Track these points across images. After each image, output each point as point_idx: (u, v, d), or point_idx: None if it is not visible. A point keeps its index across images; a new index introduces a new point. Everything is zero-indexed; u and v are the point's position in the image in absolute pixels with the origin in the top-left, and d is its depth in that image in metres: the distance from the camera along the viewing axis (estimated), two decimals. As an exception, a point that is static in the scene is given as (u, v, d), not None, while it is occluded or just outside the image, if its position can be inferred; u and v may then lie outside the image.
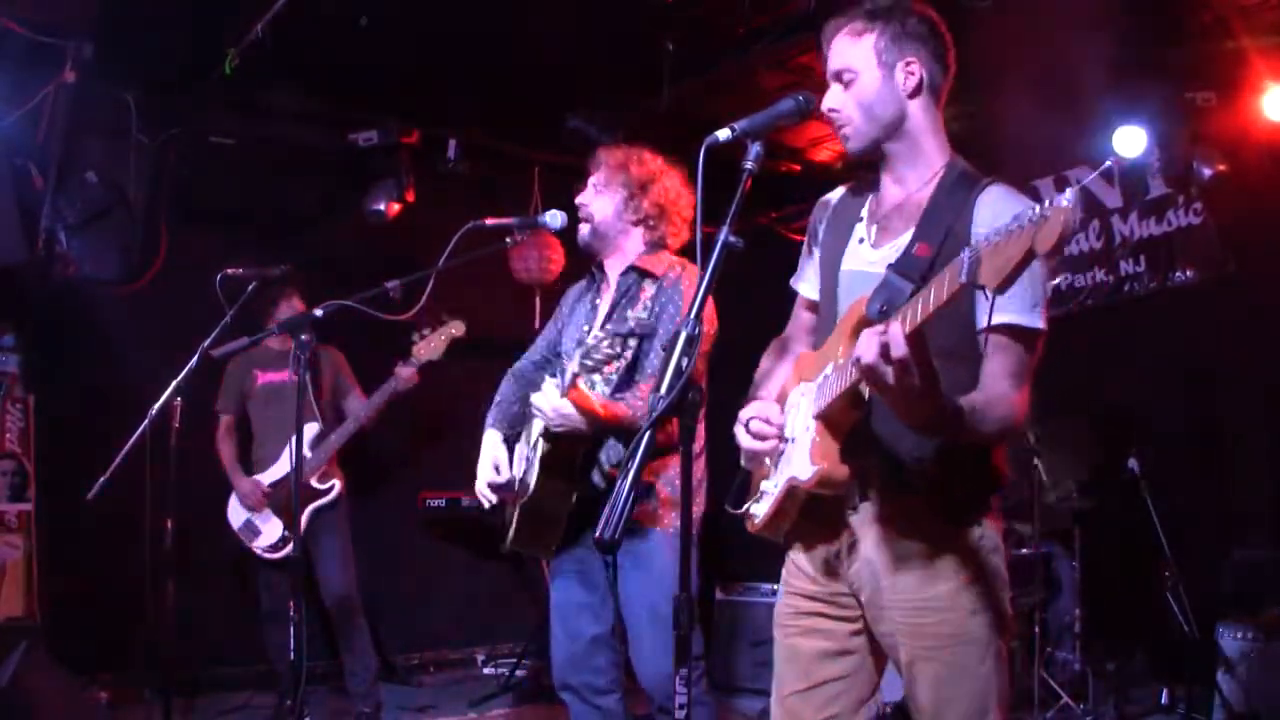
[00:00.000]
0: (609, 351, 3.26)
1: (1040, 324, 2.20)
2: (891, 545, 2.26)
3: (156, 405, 3.90)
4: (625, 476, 1.91)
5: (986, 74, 4.59)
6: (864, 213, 2.45)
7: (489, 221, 3.74)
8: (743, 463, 2.45)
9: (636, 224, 3.58)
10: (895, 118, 2.35)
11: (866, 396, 2.16)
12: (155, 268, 5.92)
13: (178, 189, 6.02)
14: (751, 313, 7.11)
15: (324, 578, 5.29)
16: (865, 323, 2.07)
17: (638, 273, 3.52)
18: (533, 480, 3.31)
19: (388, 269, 3.89)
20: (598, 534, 1.88)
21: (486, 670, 7.04)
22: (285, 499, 5.32)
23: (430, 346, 5.02)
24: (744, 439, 2.36)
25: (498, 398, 3.77)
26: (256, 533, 5.37)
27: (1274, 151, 5.57)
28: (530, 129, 6.79)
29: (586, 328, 3.57)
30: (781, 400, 2.41)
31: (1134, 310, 6.24)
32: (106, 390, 5.32)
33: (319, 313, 3.77)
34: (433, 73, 5.93)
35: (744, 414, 2.38)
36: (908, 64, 2.33)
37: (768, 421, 2.33)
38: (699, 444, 3.46)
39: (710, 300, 3.39)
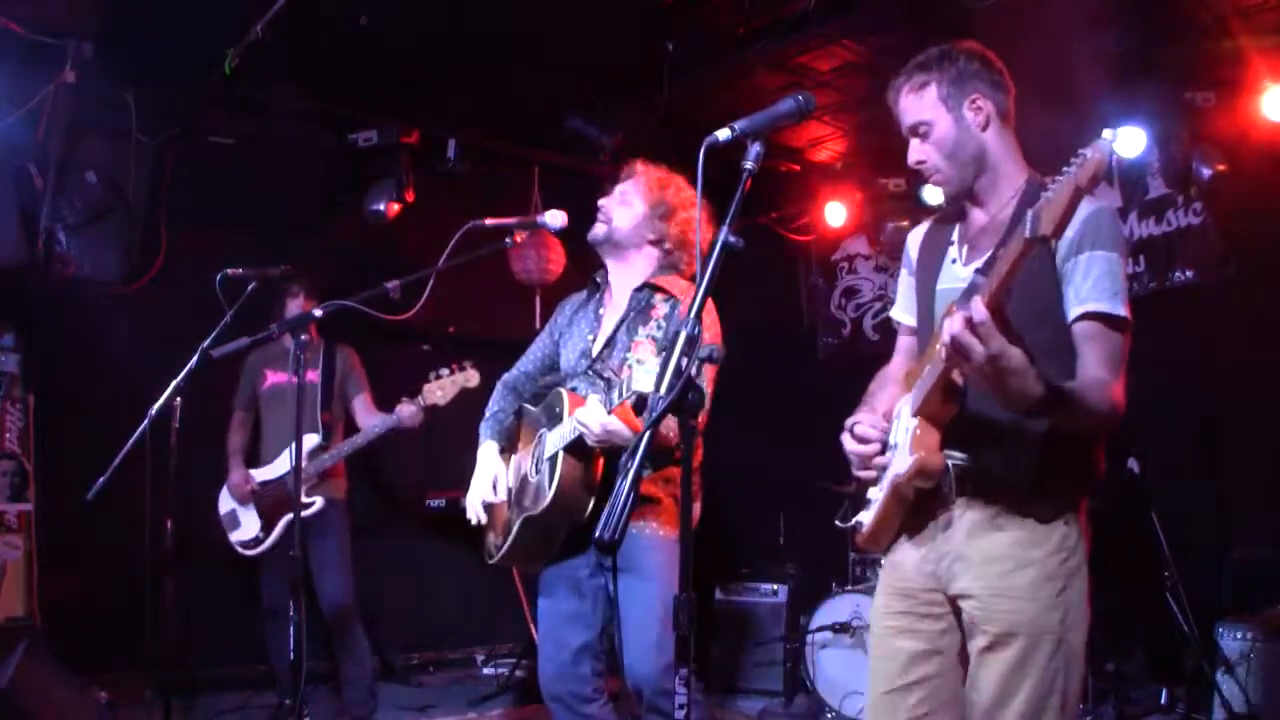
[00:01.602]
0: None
1: (1123, 311, 2.35)
2: (982, 537, 2.39)
3: (156, 405, 3.89)
4: (624, 477, 1.91)
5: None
6: (954, 237, 2.61)
7: (489, 222, 3.74)
8: (852, 470, 2.59)
9: (653, 243, 3.58)
10: (977, 154, 2.50)
11: (960, 384, 2.32)
12: (155, 268, 5.92)
13: (177, 189, 6.01)
14: (751, 313, 7.15)
15: (320, 585, 5.28)
16: None
17: (651, 289, 3.51)
18: (548, 496, 3.26)
19: (387, 269, 3.88)
20: (597, 534, 1.88)
21: (486, 670, 7.05)
22: (270, 502, 5.33)
23: (439, 392, 5.01)
24: (849, 444, 2.55)
25: (492, 408, 3.75)
26: (236, 525, 5.38)
27: (1273, 151, 5.56)
28: (530, 129, 6.79)
29: (591, 337, 3.56)
30: (889, 417, 2.57)
31: (1134, 311, 6.22)
32: (106, 390, 5.32)
33: (318, 312, 3.77)
34: (432, 73, 5.94)
35: (849, 421, 2.57)
36: (973, 102, 2.49)
37: (872, 427, 2.52)
38: (696, 457, 3.44)
39: (717, 324, 3.40)
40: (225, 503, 5.45)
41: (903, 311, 2.81)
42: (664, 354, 2.03)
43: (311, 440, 5.28)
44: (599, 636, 3.46)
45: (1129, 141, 5.81)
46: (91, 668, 5.22)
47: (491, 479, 3.56)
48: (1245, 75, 5.43)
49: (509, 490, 3.56)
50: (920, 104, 2.50)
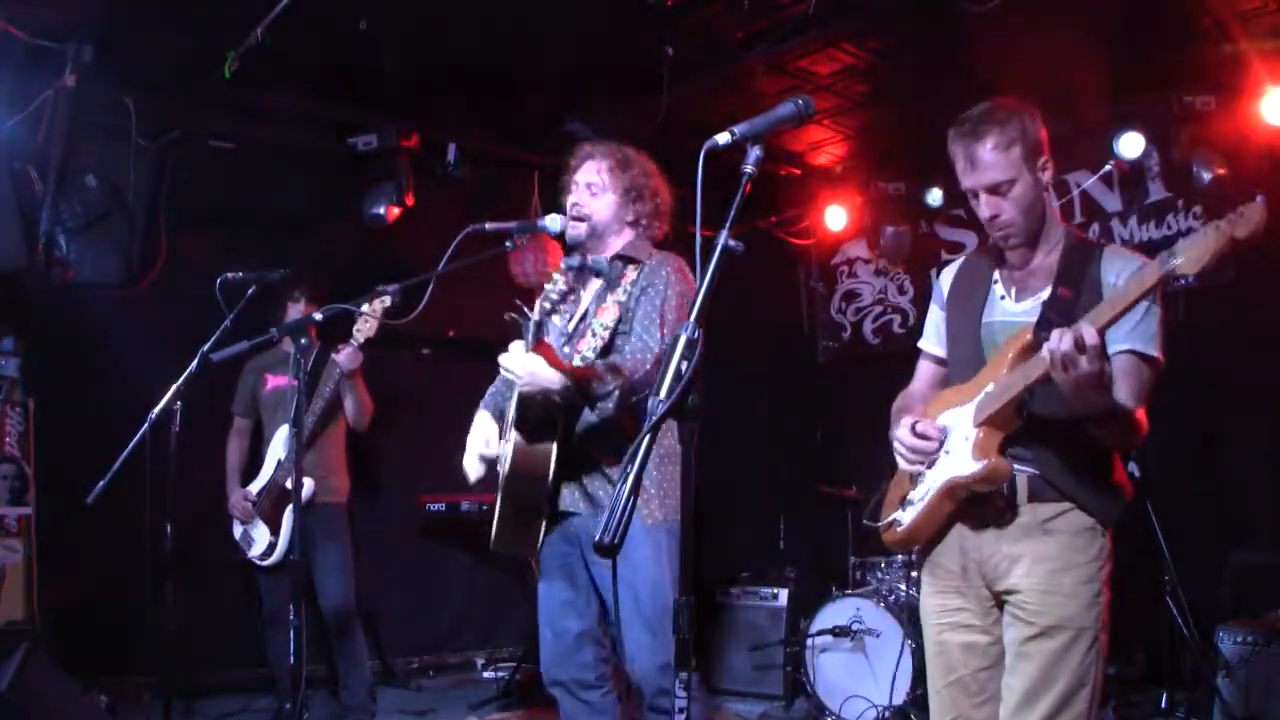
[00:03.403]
0: (562, 287, 3.26)
1: (1154, 352, 2.61)
2: (1035, 540, 2.61)
3: (156, 409, 3.89)
4: (624, 481, 1.90)
5: (987, 77, 4.60)
6: (996, 277, 2.83)
7: (489, 225, 3.73)
8: (901, 464, 2.79)
9: (631, 224, 3.60)
10: (1043, 210, 2.74)
11: (1026, 408, 2.55)
12: (154, 271, 5.92)
13: (177, 192, 6.01)
14: (751, 317, 7.14)
15: (322, 588, 5.27)
16: (1032, 345, 2.50)
17: (621, 260, 3.53)
18: (508, 459, 3.28)
19: (387, 273, 3.88)
20: (597, 538, 1.87)
21: (486, 674, 7.04)
22: (269, 504, 5.32)
23: (366, 326, 4.96)
24: (908, 439, 2.72)
25: (491, 390, 3.79)
26: (251, 542, 5.36)
27: (1273, 155, 5.56)
28: (530, 132, 6.79)
29: (569, 316, 3.59)
30: None
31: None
32: (106, 394, 5.31)
33: (318, 316, 3.77)
34: (432, 76, 5.93)
35: (907, 420, 2.76)
36: (1044, 162, 2.71)
37: (931, 426, 2.70)
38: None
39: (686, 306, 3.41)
40: (236, 527, 5.45)
41: (931, 342, 3.03)
42: (664, 359, 2.03)
43: (286, 429, 5.28)
44: (597, 624, 3.47)
45: (1129, 145, 5.81)
46: (91, 671, 5.21)
47: (484, 437, 3.58)
48: (1245, 79, 5.44)
49: (499, 466, 3.55)
50: (1007, 161, 2.64)
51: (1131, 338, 2.58)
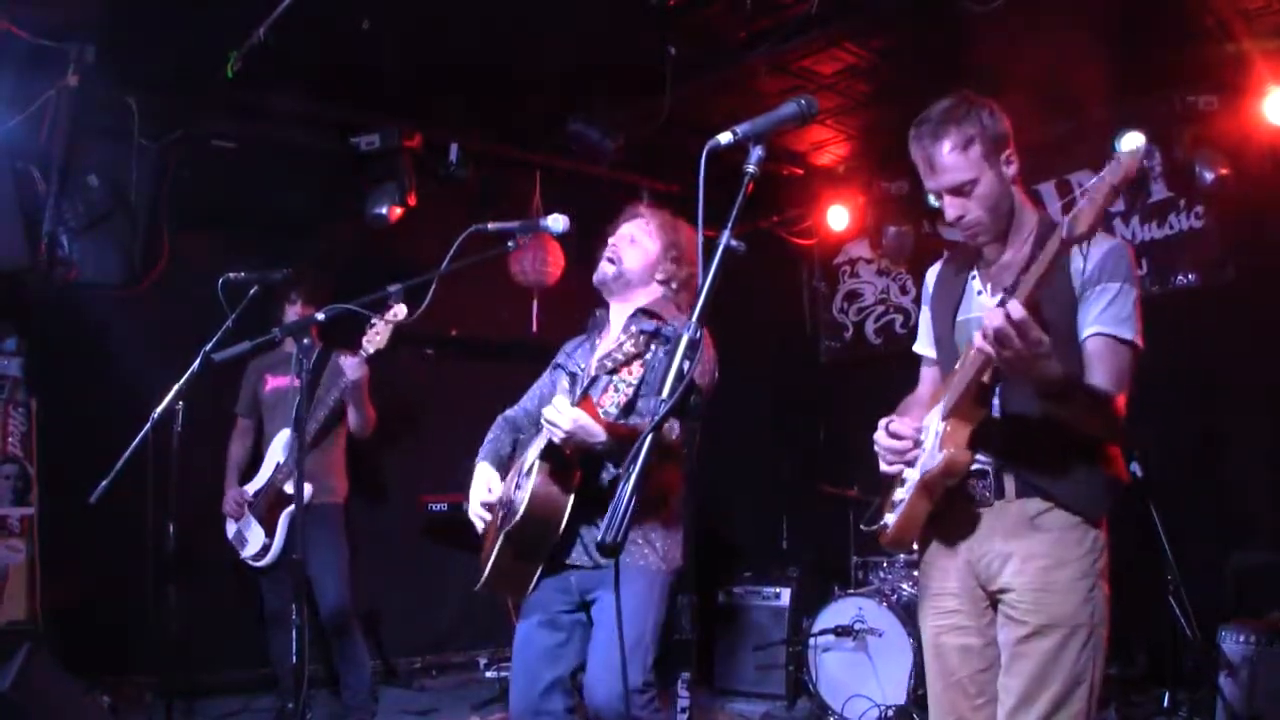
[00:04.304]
0: (630, 350, 3.22)
1: (1128, 335, 2.54)
2: (1025, 537, 2.58)
3: (159, 409, 3.89)
4: (627, 481, 1.90)
5: (988, 77, 4.60)
6: (975, 273, 2.79)
7: (491, 225, 3.73)
8: (881, 465, 2.75)
9: (661, 283, 3.60)
10: (1010, 205, 2.67)
11: (989, 385, 2.53)
12: (157, 271, 5.92)
13: (179, 192, 6.01)
14: (754, 317, 7.14)
15: (319, 590, 5.26)
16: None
17: (644, 313, 3.51)
18: (523, 504, 3.25)
19: (389, 273, 3.89)
20: (599, 537, 1.87)
21: (489, 674, 7.02)
22: (265, 506, 5.32)
23: (377, 337, 4.96)
24: (883, 439, 2.71)
25: (490, 436, 3.74)
26: (244, 542, 5.37)
27: (1275, 155, 5.56)
28: (530, 132, 6.79)
29: (584, 367, 3.56)
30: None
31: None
32: (109, 394, 5.32)
33: (320, 316, 3.77)
34: (434, 76, 5.93)
35: (883, 421, 2.74)
36: (1007, 157, 2.64)
37: (905, 425, 2.69)
38: (679, 495, 3.36)
39: (712, 359, 3.40)
40: (230, 526, 5.46)
41: (924, 345, 3.00)
42: (665, 358, 2.03)
43: (286, 434, 5.30)
44: (571, 672, 3.45)
45: (1131, 145, 5.81)
46: (93, 671, 5.22)
47: (486, 485, 3.55)
48: (1247, 78, 5.43)
49: (499, 511, 3.54)
50: (967, 162, 2.58)
51: (1103, 319, 2.54)
